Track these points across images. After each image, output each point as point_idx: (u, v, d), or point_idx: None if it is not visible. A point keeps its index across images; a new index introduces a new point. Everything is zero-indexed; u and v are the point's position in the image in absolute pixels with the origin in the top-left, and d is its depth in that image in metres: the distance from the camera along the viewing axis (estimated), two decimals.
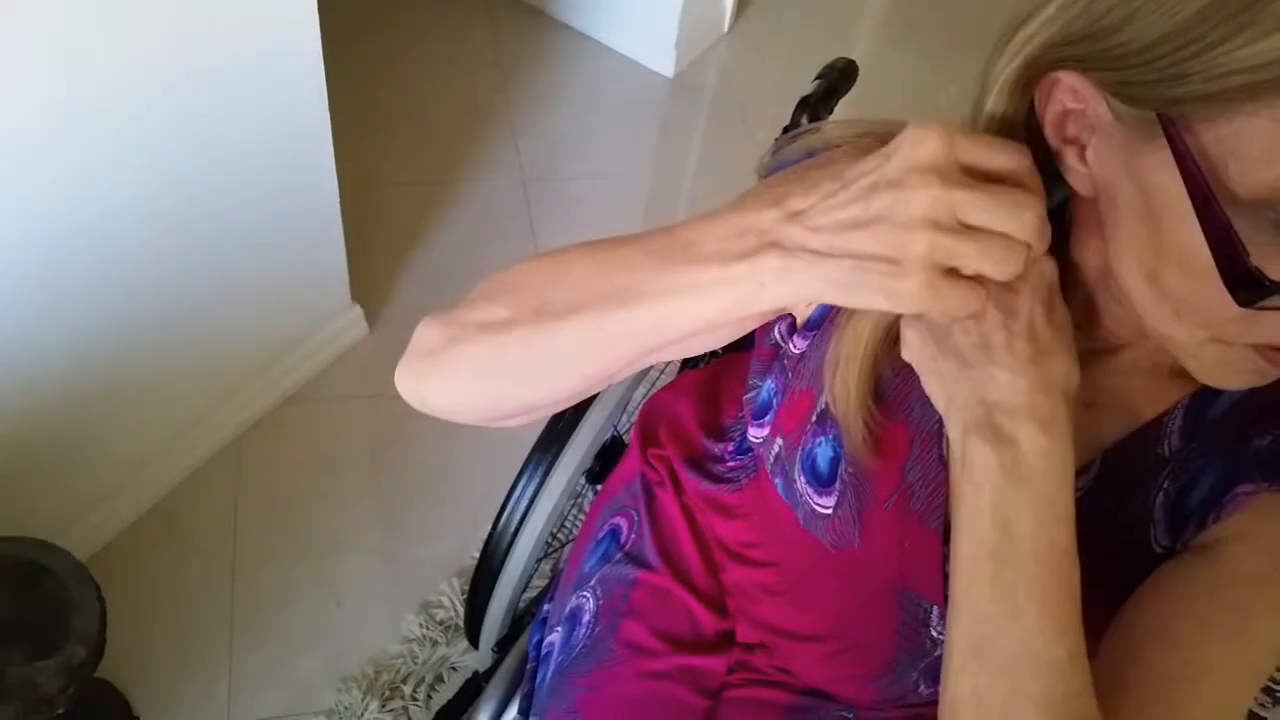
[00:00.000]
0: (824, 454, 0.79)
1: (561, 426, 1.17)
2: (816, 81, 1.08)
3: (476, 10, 2.78)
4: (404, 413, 1.92)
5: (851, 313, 0.70)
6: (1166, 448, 0.70)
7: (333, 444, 1.95)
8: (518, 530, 1.18)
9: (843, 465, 0.78)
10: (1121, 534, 0.71)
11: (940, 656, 0.82)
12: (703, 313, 0.61)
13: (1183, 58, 0.50)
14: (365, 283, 2.07)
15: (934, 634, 0.83)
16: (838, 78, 1.08)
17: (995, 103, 0.60)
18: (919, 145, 0.53)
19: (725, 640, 1.00)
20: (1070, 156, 0.59)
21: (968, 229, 0.53)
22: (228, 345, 1.79)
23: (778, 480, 0.83)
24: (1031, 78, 0.58)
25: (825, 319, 0.76)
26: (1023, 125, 0.60)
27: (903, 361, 0.66)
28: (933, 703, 0.80)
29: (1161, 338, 0.61)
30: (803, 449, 0.80)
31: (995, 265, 0.53)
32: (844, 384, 0.71)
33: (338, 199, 1.79)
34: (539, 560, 1.23)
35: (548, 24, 2.77)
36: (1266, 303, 0.52)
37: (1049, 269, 0.61)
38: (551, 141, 2.51)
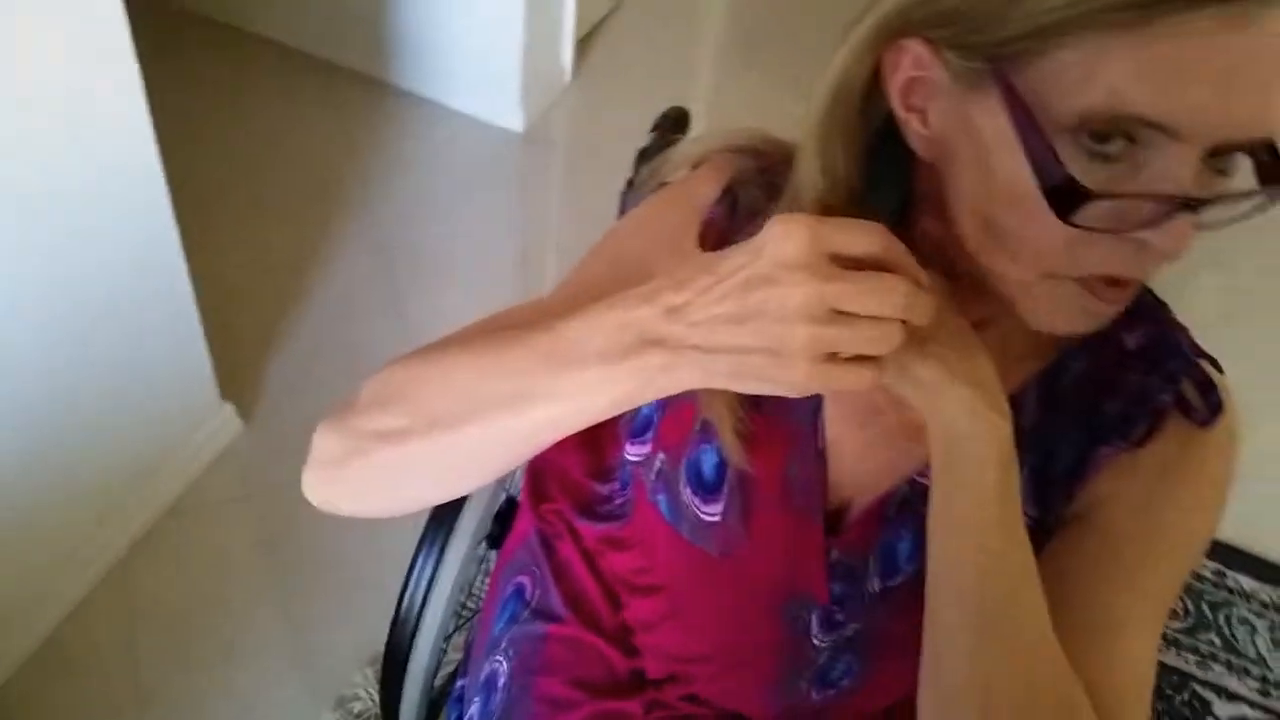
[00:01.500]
0: (709, 460, 0.82)
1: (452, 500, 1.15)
2: (652, 134, 1.09)
3: (317, 87, 2.75)
4: (291, 506, 1.92)
5: None
6: (1024, 417, 0.74)
7: (222, 549, 1.88)
8: (422, 609, 1.16)
9: (729, 470, 0.81)
10: None
11: (824, 663, 0.86)
12: (595, 409, 0.63)
13: (1002, 3, 0.57)
14: (234, 379, 2.02)
15: (815, 643, 0.86)
16: (671, 127, 1.10)
17: (845, 60, 0.65)
18: (785, 241, 0.56)
19: (638, 680, 1.00)
20: (914, 122, 0.64)
21: (842, 316, 0.56)
22: (96, 468, 1.73)
23: (660, 498, 0.86)
24: (881, 41, 0.63)
25: None
26: (860, 90, 0.66)
27: None
28: (825, 706, 0.89)
29: (997, 280, 0.65)
30: (687, 459, 0.82)
31: (872, 346, 0.57)
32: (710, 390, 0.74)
33: (193, 301, 1.75)
34: (448, 637, 1.20)
35: (391, 92, 2.75)
36: (1085, 215, 0.56)
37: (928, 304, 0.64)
38: (408, 209, 2.49)
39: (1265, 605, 1.96)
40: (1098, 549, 0.73)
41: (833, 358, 0.56)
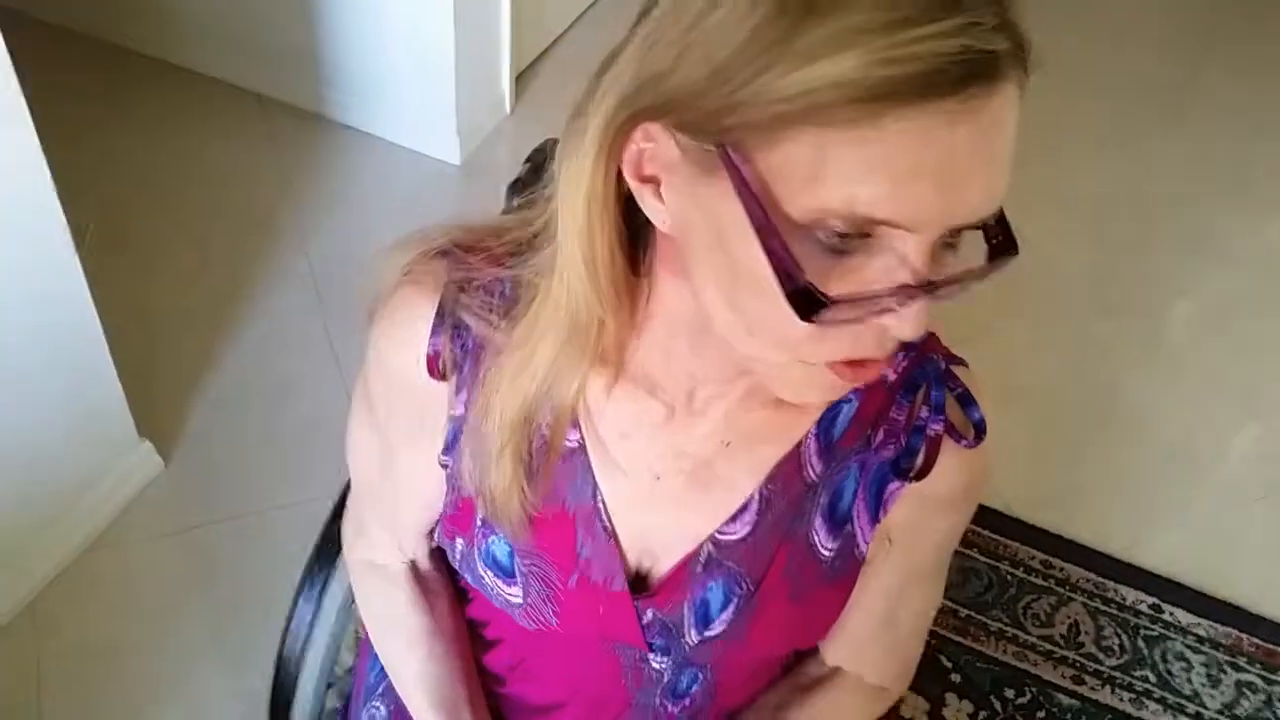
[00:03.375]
0: (500, 549, 0.84)
1: (331, 546, 1.12)
2: (525, 165, 1.07)
3: (252, 120, 2.72)
4: (211, 546, 1.89)
5: (487, 410, 0.76)
6: (811, 473, 0.80)
7: (137, 589, 1.85)
8: (301, 657, 1.13)
9: (517, 559, 0.83)
10: (803, 548, 0.82)
11: (669, 678, 0.89)
12: None
13: (728, 91, 0.55)
14: (153, 416, 1.98)
15: (655, 665, 0.88)
16: (544, 159, 1.07)
17: (585, 170, 0.64)
18: None
19: None
20: (648, 195, 0.63)
21: None
22: (2, 507, 1.69)
23: (466, 576, 0.87)
24: (611, 138, 0.62)
25: (458, 433, 0.82)
26: (605, 187, 0.64)
27: (544, 448, 0.77)
28: (688, 714, 0.93)
29: (749, 360, 0.66)
30: (478, 549, 0.84)
31: None
32: (499, 476, 0.77)
33: (102, 337, 1.72)
34: (330, 685, 1.17)
35: (326, 125, 2.72)
36: (824, 316, 0.57)
37: None
38: (342, 243, 2.46)
39: (1201, 640, 1.94)
40: (895, 571, 0.87)
41: None
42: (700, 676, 0.90)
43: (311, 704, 1.17)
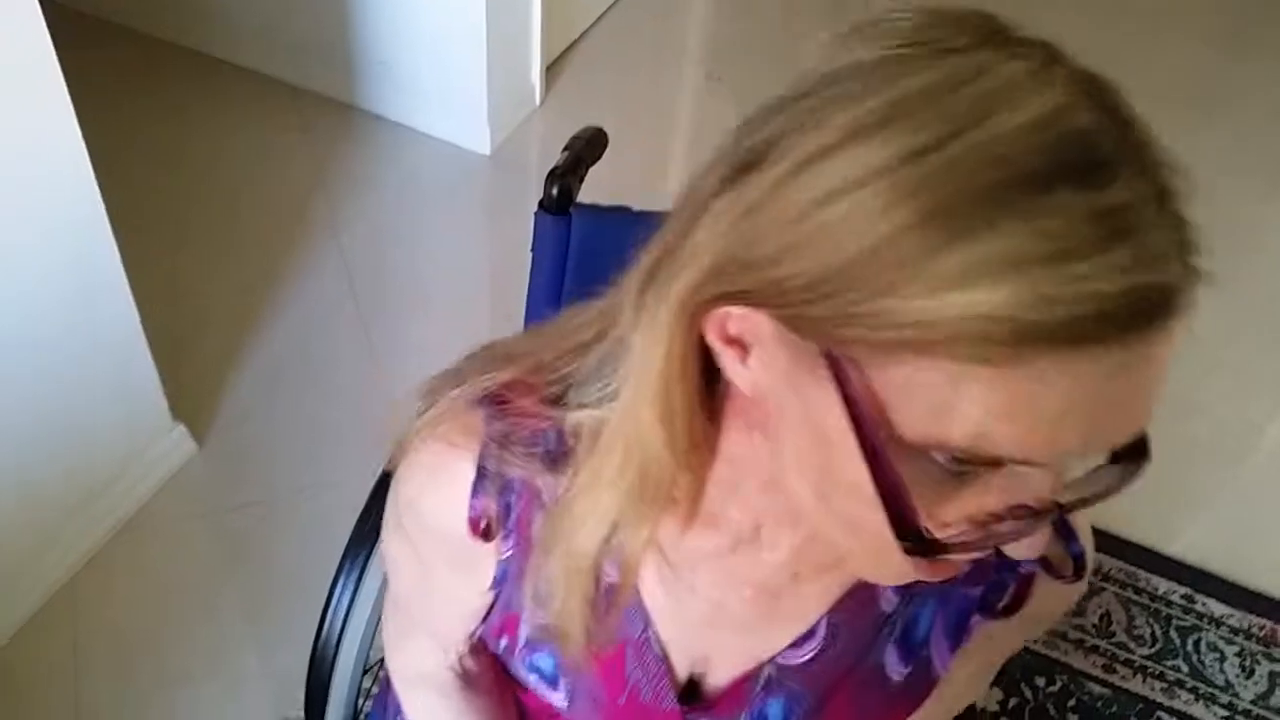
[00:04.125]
0: (546, 662, 0.79)
1: (368, 529, 1.13)
2: (564, 153, 1.07)
3: (285, 111, 2.74)
4: (244, 528, 1.90)
5: (548, 556, 0.70)
6: (885, 604, 0.75)
7: (172, 569, 1.87)
8: (340, 638, 1.14)
9: (564, 676, 0.79)
10: (872, 673, 0.76)
11: None
12: None
13: (847, 301, 0.47)
14: (186, 400, 2.00)
15: None
16: (583, 147, 1.07)
17: (668, 348, 0.56)
18: None
19: None
20: (729, 359, 0.56)
21: None
22: (41, 489, 1.71)
23: (509, 671, 0.84)
24: (693, 312, 0.54)
25: (506, 573, 0.76)
26: (681, 359, 0.57)
27: (610, 592, 0.71)
28: None
29: (828, 541, 0.61)
30: (520, 659, 0.80)
31: None
32: (566, 620, 0.71)
33: (138, 322, 1.74)
34: (367, 670, 1.18)
35: (359, 116, 2.74)
36: (934, 555, 0.52)
37: None
38: (374, 232, 2.48)
39: (1235, 631, 1.93)
40: (964, 677, 0.80)
41: None
42: None
43: (348, 688, 1.17)
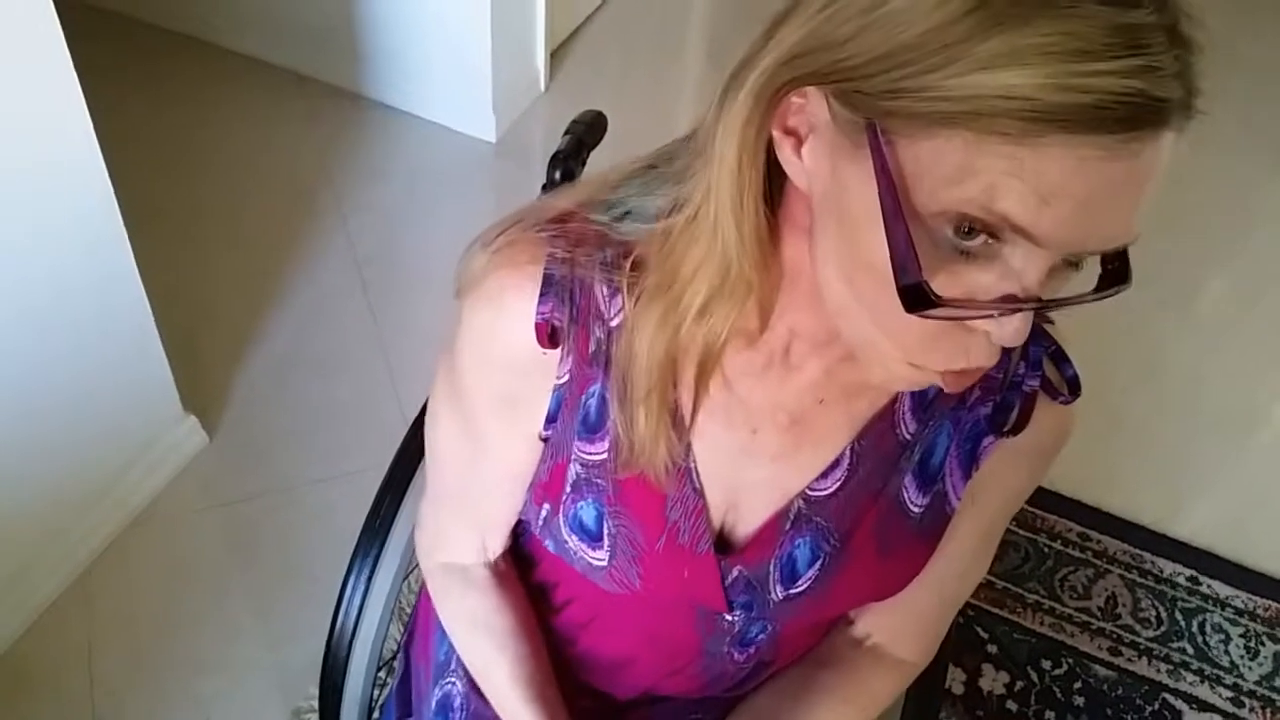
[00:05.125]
0: (588, 513, 0.83)
1: (379, 523, 1.14)
2: (565, 137, 1.07)
3: (290, 99, 2.75)
4: (255, 518, 1.92)
5: (631, 356, 0.75)
6: (905, 431, 0.82)
7: (184, 560, 1.88)
8: (355, 630, 1.15)
9: (607, 521, 0.83)
10: (892, 504, 0.83)
11: (740, 628, 0.90)
12: None
13: (897, 76, 0.55)
14: (197, 391, 2.02)
15: (728, 617, 0.89)
16: (584, 131, 1.08)
17: (742, 133, 0.64)
18: None
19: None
20: (787, 148, 0.64)
21: None
22: (53, 481, 1.72)
23: (548, 543, 0.87)
24: (771, 95, 0.62)
25: (561, 401, 0.81)
26: (757, 143, 0.64)
27: (690, 396, 0.78)
28: (746, 665, 0.95)
29: (854, 343, 0.67)
30: (564, 514, 0.84)
31: None
32: (647, 420, 0.77)
33: (149, 311, 1.74)
34: (381, 666, 1.19)
35: (364, 104, 2.74)
36: (930, 314, 0.58)
37: None
38: (381, 220, 2.48)
39: (1239, 612, 1.94)
40: (973, 530, 0.88)
41: None
42: (768, 627, 0.90)
43: (364, 685, 1.18)
